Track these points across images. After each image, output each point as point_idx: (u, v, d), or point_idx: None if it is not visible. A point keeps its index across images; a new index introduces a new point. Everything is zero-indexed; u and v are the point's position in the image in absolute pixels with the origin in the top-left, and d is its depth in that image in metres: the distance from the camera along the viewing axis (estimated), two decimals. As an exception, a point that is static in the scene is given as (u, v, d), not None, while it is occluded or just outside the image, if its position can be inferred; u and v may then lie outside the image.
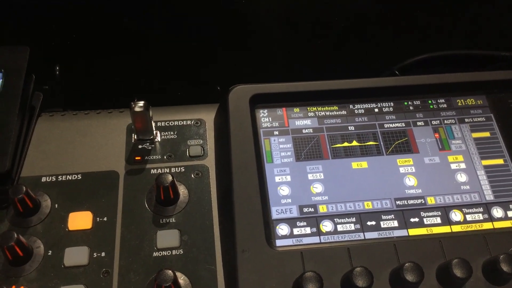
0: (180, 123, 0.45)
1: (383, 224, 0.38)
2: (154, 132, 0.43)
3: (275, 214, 0.38)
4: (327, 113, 0.43)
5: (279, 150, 0.41)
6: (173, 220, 0.39)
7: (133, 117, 0.41)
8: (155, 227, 0.38)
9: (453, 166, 0.40)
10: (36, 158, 0.41)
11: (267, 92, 0.42)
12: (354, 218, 0.38)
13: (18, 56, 0.41)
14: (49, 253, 0.36)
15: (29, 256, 0.36)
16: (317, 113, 0.43)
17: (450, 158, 0.41)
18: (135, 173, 0.41)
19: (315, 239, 0.37)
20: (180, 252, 0.37)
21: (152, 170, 0.41)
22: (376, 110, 0.43)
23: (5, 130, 0.38)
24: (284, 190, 0.39)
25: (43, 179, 0.40)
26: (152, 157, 0.42)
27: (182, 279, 0.36)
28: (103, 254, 0.37)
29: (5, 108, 0.39)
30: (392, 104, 0.43)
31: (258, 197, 0.37)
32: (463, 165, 0.40)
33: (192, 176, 0.41)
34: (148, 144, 0.43)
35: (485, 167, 0.40)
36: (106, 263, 0.36)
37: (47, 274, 0.35)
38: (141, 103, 0.40)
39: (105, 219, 0.38)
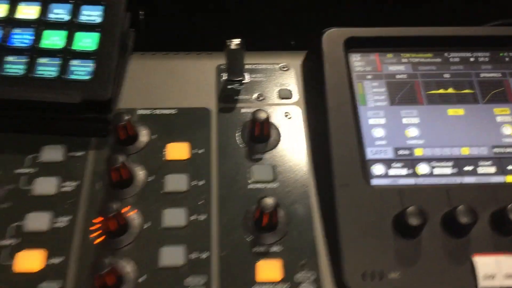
0: (268, 66, 0.45)
1: (480, 170, 0.37)
2: (244, 74, 0.44)
3: (370, 154, 0.38)
4: (421, 60, 0.42)
5: (372, 93, 0.41)
6: (266, 156, 0.39)
7: (227, 54, 0.41)
8: (249, 162, 0.39)
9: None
10: (131, 93, 0.42)
11: (361, 35, 0.42)
12: (451, 162, 0.37)
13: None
14: (149, 180, 0.37)
15: (131, 180, 0.37)
16: (411, 59, 0.42)
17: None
18: (226, 111, 0.42)
19: (411, 181, 0.37)
20: (274, 185, 0.38)
21: (242, 109, 0.42)
22: (472, 59, 0.42)
23: (107, 60, 0.39)
24: (379, 132, 0.39)
25: (139, 112, 0.41)
26: (242, 97, 0.43)
27: (278, 210, 0.36)
28: (201, 182, 0.37)
29: (107, 39, 0.40)
30: (488, 54, 0.42)
31: (354, 137, 0.38)
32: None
33: (283, 116, 0.42)
34: (238, 84, 0.44)
35: None
36: (205, 191, 0.37)
37: (149, 198, 0.36)
38: (237, 41, 0.40)
39: (201, 151, 0.39)
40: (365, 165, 0.37)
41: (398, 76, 0.41)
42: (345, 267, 0.33)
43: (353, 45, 0.42)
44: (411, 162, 0.38)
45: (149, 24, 0.52)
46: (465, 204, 0.33)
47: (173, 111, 0.41)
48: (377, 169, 0.37)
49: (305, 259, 0.34)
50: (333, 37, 0.42)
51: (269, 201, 0.34)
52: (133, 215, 0.35)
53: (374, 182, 0.37)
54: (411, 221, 0.32)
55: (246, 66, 0.44)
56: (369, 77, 0.41)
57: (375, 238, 0.33)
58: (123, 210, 0.35)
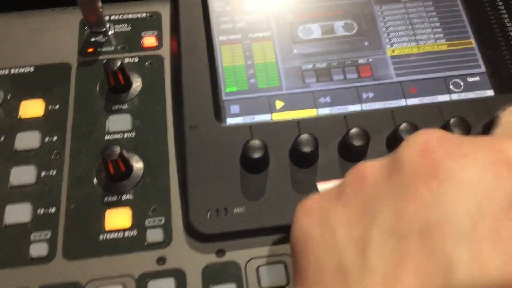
0: (134, 16, 0.43)
1: (337, 101, 0.37)
2: (107, 25, 0.42)
3: (226, 95, 0.37)
4: (283, -5, 0.41)
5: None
6: (126, 107, 0.38)
7: (80, 6, 0.40)
8: (107, 113, 0.38)
9: None
10: (-11, 53, 0.41)
11: (219, -25, 0.41)
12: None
13: None
14: (1, 140, 0.36)
15: (-20, 142, 0.36)
16: (272, -4, 0.41)
17: None
18: (87, 64, 0.41)
19: (267, 117, 0.37)
20: (132, 135, 0.37)
21: (104, 61, 0.41)
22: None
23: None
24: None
25: (-5, 71, 0.40)
26: (105, 49, 0.41)
27: (134, 159, 0.36)
28: (54, 138, 0.37)
29: None
30: None
31: (208, 79, 0.37)
32: None
33: (146, 65, 0.41)
34: (101, 37, 0.42)
35: None
36: (58, 146, 0.36)
37: (-1, 158, 0.36)
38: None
39: (57, 107, 0.38)
40: (219, 105, 0.37)
41: (254, 14, 0.40)
42: (190, 207, 0.32)
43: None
44: (268, 98, 0.37)
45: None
46: (309, 134, 0.33)
47: (31, 69, 0.40)
48: (232, 109, 0.37)
49: (156, 204, 0.34)
50: (189, -22, 0.40)
51: (111, 149, 0.33)
52: (-22, 176, 0.35)
53: (229, 121, 0.36)
54: (253, 154, 0.32)
55: (112, 17, 0.43)
56: (229, 17, 0.40)
57: (222, 177, 0.33)
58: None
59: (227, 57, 0.39)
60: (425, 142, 0.20)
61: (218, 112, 0.36)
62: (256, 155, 0.32)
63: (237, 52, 0.39)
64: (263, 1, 0.41)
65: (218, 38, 0.39)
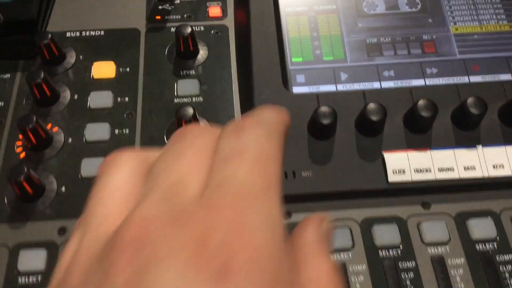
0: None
1: (401, 75, 0.38)
2: (172, -6, 0.43)
3: (292, 65, 0.38)
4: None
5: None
6: (193, 72, 0.40)
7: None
8: (175, 77, 0.39)
9: None
10: (60, 16, 0.42)
11: None
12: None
13: None
14: (75, 97, 0.38)
15: (55, 99, 0.37)
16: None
17: None
18: (155, 30, 0.42)
19: (332, 87, 0.37)
20: (199, 99, 0.38)
21: (172, 28, 0.42)
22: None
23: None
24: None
25: (68, 34, 0.41)
26: (172, 17, 0.43)
27: (203, 122, 0.37)
28: (126, 99, 0.38)
29: None
30: None
31: (276, 47, 0.38)
32: None
33: (212, 34, 0.42)
34: (168, 5, 0.43)
35: None
36: (130, 106, 0.38)
37: (74, 114, 0.37)
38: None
39: (127, 69, 0.40)
40: (286, 74, 0.38)
41: (324, -12, 0.41)
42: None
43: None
44: (333, 70, 0.38)
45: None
46: (377, 103, 0.34)
47: (101, 33, 0.42)
48: (298, 78, 0.38)
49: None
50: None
51: (185, 109, 0.34)
52: (57, 131, 0.36)
53: (294, 90, 0.37)
54: (323, 120, 0.33)
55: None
56: (295, -10, 0.41)
57: (291, 142, 0.34)
58: (48, 126, 0.36)
59: (293, 28, 0.40)
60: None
61: (285, 81, 0.37)
62: (326, 121, 0.33)
63: (303, 24, 0.40)
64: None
65: (285, 9, 0.40)
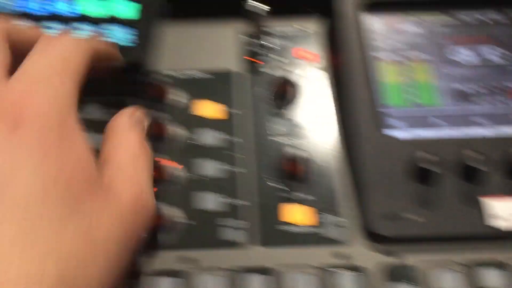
0: (289, 29, 0.47)
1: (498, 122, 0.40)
2: (266, 37, 0.46)
3: (384, 108, 0.41)
4: (433, 20, 0.45)
5: (386, 51, 0.43)
6: (291, 112, 0.42)
7: (251, 18, 0.43)
8: (274, 117, 0.42)
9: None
10: (161, 56, 0.45)
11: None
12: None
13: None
14: (183, 134, 0.40)
15: (167, 134, 0.40)
16: (422, 19, 0.45)
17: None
18: (251, 71, 0.45)
19: (424, 132, 0.40)
20: (299, 139, 0.41)
21: (266, 69, 0.45)
22: (485, 19, 0.45)
23: (146, 28, 0.41)
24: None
25: (169, 73, 0.44)
26: (266, 59, 0.45)
27: (306, 160, 0.39)
28: (234, 138, 0.40)
29: (146, 9, 0.42)
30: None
31: (370, 90, 0.40)
32: None
33: (305, 76, 0.44)
34: (260, 47, 0.46)
35: None
36: (235, 145, 0.40)
37: (186, 150, 0.40)
38: (260, 5, 0.43)
39: (229, 108, 0.42)
40: (380, 117, 0.40)
41: (410, 35, 0.44)
42: (368, 210, 0.36)
43: (369, 6, 0.44)
44: (425, 115, 0.40)
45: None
46: (479, 152, 0.36)
47: (201, 73, 0.44)
48: (392, 122, 0.40)
49: (331, 205, 0.37)
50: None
51: (299, 151, 0.37)
52: (172, 165, 0.38)
53: (387, 132, 0.39)
54: (425, 166, 0.35)
55: (268, 30, 0.47)
56: (382, 37, 0.44)
57: (396, 184, 0.37)
58: (162, 161, 0.38)
59: (384, 74, 0.42)
60: None
61: (380, 124, 0.39)
62: (427, 167, 0.35)
63: (392, 70, 0.42)
64: (416, 22, 0.45)
65: (374, 55, 0.43)
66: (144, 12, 0.42)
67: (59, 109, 0.25)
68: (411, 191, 0.36)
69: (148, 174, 0.30)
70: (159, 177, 0.37)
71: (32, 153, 0.22)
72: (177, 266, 0.34)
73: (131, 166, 0.28)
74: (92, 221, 0.23)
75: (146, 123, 0.33)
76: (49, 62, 0.27)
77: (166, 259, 0.35)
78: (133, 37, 0.41)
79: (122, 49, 0.39)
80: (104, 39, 0.36)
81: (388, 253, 0.35)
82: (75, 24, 0.40)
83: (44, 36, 0.30)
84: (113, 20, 0.41)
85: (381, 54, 0.43)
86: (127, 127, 0.31)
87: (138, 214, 0.27)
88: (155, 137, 0.39)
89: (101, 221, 0.24)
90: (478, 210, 0.36)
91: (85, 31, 0.40)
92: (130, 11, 0.42)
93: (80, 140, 0.26)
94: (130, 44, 0.40)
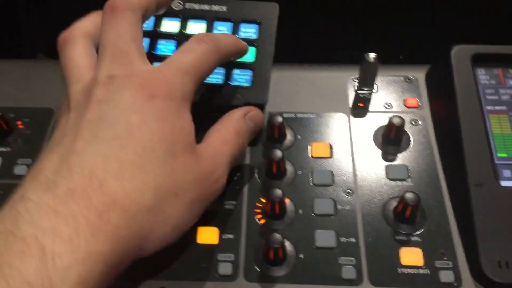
0: (393, 78, 0.50)
1: None
2: (375, 84, 0.49)
3: (498, 160, 0.42)
4: (543, 75, 0.46)
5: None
6: (399, 157, 0.44)
7: (364, 66, 0.47)
8: (383, 161, 0.44)
9: None
10: (276, 99, 0.49)
11: (486, 52, 0.46)
12: None
13: (270, 11, 0.48)
14: (299, 173, 0.44)
15: (285, 173, 0.43)
16: (533, 74, 0.46)
17: None
18: (359, 116, 0.48)
19: (539, 184, 0.41)
20: (409, 183, 0.43)
21: (373, 115, 0.48)
22: None
23: (263, 70, 0.45)
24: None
25: (285, 115, 0.48)
26: (372, 105, 0.48)
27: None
28: (344, 177, 0.43)
29: (262, 52, 0.46)
30: None
31: (485, 142, 0.42)
32: None
33: (410, 122, 0.47)
34: (368, 94, 0.49)
35: None
36: (347, 183, 0.43)
37: (300, 189, 0.43)
38: (373, 55, 0.46)
39: (340, 150, 0.45)
40: (495, 167, 0.41)
41: (521, 89, 0.45)
42: (482, 257, 0.37)
43: (479, 60, 0.46)
44: (538, 166, 0.41)
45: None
46: None
47: (313, 115, 0.48)
48: (505, 173, 0.41)
49: (442, 249, 0.39)
50: (461, 53, 0.46)
51: (412, 195, 0.39)
52: (288, 202, 0.42)
53: (502, 183, 0.41)
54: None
55: (377, 78, 0.50)
56: (494, 89, 0.46)
57: (508, 233, 0.38)
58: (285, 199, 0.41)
59: (496, 125, 0.44)
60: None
61: (494, 174, 0.41)
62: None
63: (504, 121, 0.44)
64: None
65: (486, 107, 0.45)
66: (259, 54, 0.46)
67: (183, 96, 0.34)
68: (524, 240, 0.37)
69: (230, 160, 0.37)
70: (280, 211, 0.40)
71: (156, 116, 0.32)
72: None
73: (218, 148, 0.36)
74: (180, 173, 0.32)
75: (258, 123, 0.41)
76: (189, 62, 0.35)
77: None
78: (250, 78, 0.44)
79: (242, 89, 0.43)
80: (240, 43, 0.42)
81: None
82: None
83: (200, 35, 0.38)
84: (231, 62, 0.45)
85: (494, 107, 0.45)
86: (235, 118, 0.39)
87: (210, 187, 0.35)
88: (278, 174, 0.43)
89: (186, 177, 0.33)
90: None
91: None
92: (248, 54, 0.46)
93: (188, 118, 0.34)
94: (248, 84, 0.44)
